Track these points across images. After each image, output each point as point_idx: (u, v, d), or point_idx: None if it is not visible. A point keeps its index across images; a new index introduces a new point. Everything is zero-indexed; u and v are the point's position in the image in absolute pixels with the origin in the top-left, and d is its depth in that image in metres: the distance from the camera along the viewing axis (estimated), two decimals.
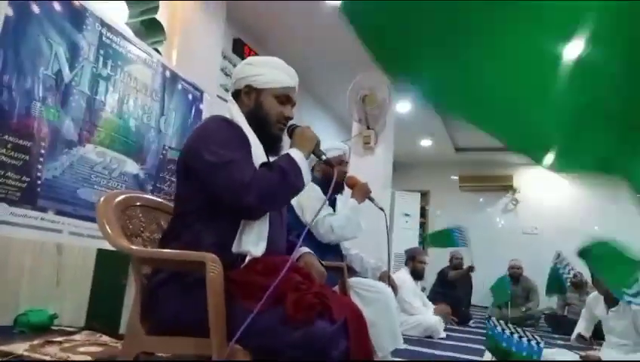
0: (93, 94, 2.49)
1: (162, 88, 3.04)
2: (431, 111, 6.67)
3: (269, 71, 1.43)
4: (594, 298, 3.37)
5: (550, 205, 8.68)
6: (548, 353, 3.29)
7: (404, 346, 3.38)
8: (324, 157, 1.47)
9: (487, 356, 3.55)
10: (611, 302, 3.12)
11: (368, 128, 5.00)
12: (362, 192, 2.26)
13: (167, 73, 3.10)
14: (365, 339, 1.23)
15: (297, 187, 1.31)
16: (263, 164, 1.31)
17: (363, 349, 1.17)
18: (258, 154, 1.34)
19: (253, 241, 1.26)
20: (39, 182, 2.17)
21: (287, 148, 1.44)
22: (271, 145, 1.44)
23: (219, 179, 1.23)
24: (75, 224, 2.37)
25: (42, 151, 2.19)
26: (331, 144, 2.38)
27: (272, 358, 1.06)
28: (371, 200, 2.27)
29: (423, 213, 9.18)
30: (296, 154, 1.33)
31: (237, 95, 1.46)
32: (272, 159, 1.43)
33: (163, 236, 1.38)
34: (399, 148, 6.00)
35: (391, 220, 7.07)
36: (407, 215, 7.97)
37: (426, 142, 8.38)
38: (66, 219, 2.32)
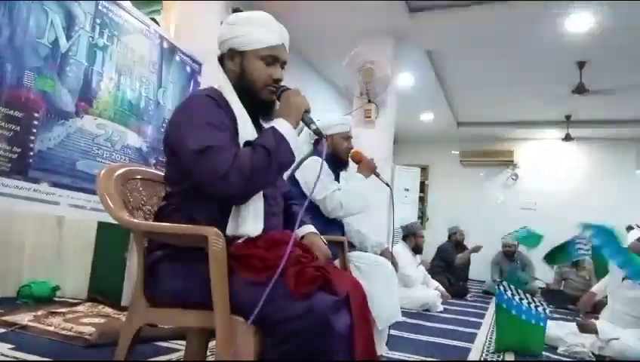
0: (91, 65, 2.44)
1: (160, 60, 2.99)
2: (433, 85, 6.60)
3: (253, 30, 1.30)
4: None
5: (549, 180, 8.68)
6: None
7: (402, 319, 3.44)
8: (313, 126, 1.32)
9: (483, 332, 3.61)
10: None
11: (369, 102, 4.94)
12: (368, 168, 2.27)
13: (165, 44, 3.04)
14: (366, 312, 1.24)
15: (285, 163, 1.25)
16: (246, 143, 1.23)
17: (364, 322, 1.18)
18: (246, 128, 1.27)
19: (250, 222, 1.22)
20: (31, 153, 2.15)
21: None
22: (263, 110, 1.36)
23: (199, 169, 1.17)
24: (74, 196, 2.36)
25: (35, 122, 2.16)
26: (338, 119, 2.36)
27: (275, 330, 1.07)
28: (377, 175, 2.28)
29: (422, 188, 9.20)
30: (283, 127, 1.23)
31: (221, 61, 1.37)
32: (265, 125, 1.35)
33: (156, 214, 1.34)
34: (400, 123, 5.95)
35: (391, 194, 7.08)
36: (406, 190, 7.98)
37: (427, 117, 8.31)
38: (63, 191, 2.30)
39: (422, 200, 9.18)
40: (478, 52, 5.48)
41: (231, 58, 1.33)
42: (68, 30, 2.30)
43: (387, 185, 2.30)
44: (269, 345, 1.08)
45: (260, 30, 1.30)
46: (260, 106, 1.34)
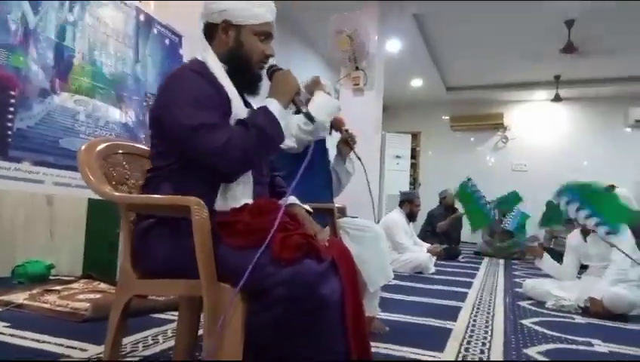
0: (61, 40, 2.38)
1: (136, 34, 2.91)
2: (422, 50, 6.52)
3: (248, 4, 1.30)
4: (572, 235, 3.48)
5: (539, 142, 8.72)
6: (531, 283, 3.43)
7: (394, 281, 3.50)
8: (304, 109, 1.32)
9: (475, 289, 3.69)
10: (587, 232, 3.26)
11: (357, 69, 4.88)
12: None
13: (142, 17, 2.96)
14: (354, 277, 1.26)
15: (275, 143, 1.27)
16: (238, 122, 1.24)
17: (352, 286, 1.20)
18: (235, 104, 1.27)
19: (239, 200, 1.24)
20: (10, 132, 2.12)
21: (265, 89, 1.35)
22: (250, 86, 1.36)
23: (193, 144, 1.18)
24: (59, 174, 2.35)
25: (12, 101, 2.12)
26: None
27: (262, 296, 1.08)
28: (352, 149, 2.27)
29: (414, 155, 9.22)
30: (275, 107, 1.25)
31: (210, 31, 1.34)
32: (250, 100, 1.37)
33: (142, 187, 1.35)
34: (389, 90, 5.91)
35: (382, 162, 7.10)
36: (398, 157, 7.99)
37: (416, 83, 8.25)
38: (46, 169, 2.29)
39: (413, 166, 9.21)
40: (464, 14, 5.40)
41: (225, 31, 1.31)
42: (35, 5, 2.23)
43: (359, 158, 2.28)
44: (257, 311, 1.09)
45: (255, 5, 1.30)
46: (249, 82, 1.34)
